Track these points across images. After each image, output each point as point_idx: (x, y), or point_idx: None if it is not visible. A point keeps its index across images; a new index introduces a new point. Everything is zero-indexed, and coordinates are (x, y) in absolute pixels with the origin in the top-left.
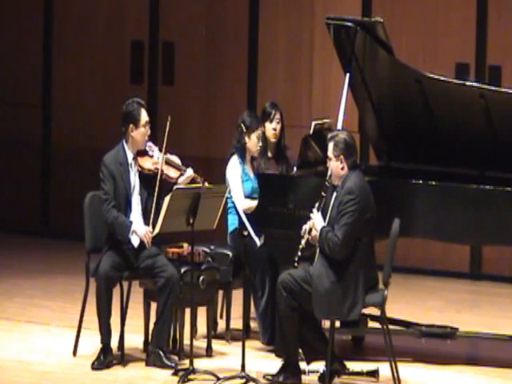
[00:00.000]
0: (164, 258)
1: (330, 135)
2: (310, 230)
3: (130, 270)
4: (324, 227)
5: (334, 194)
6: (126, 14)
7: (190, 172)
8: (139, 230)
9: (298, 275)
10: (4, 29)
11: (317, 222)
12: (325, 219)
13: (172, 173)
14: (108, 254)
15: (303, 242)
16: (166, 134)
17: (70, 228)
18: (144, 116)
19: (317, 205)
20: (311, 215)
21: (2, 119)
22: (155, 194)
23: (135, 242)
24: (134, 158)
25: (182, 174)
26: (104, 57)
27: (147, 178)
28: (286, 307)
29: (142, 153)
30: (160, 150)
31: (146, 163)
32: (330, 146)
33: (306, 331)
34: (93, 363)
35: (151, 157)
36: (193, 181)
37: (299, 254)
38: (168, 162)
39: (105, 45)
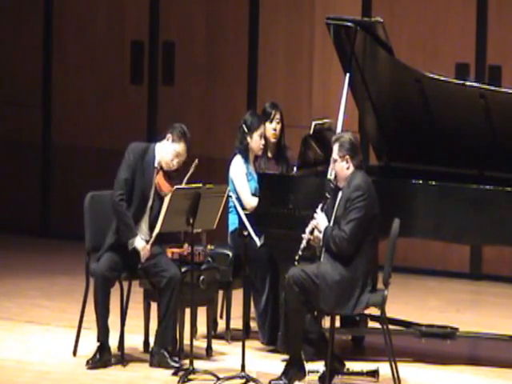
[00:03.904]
0: (166, 257)
1: (334, 137)
2: (313, 230)
3: (130, 269)
4: (328, 226)
5: (339, 195)
6: (126, 14)
7: None
8: (138, 244)
9: (311, 271)
10: (4, 29)
11: (321, 222)
12: (329, 221)
13: None
14: (107, 253)
15: (305, 241)
16: (189, 173)
17: (70, 228)
18: (177, 147)
19: (320, 205)
20: (315, 215)
21: (1, 119)
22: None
23: (139, 244)
24: (157, 168)
25: None
26: (104, 57)
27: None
28: (297, 302)
29: (167, 174)
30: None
31: (165, 187)
32: (335, 147)
33: (307, 330)
34: (87, 362)
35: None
36: None
37: (300, 253)
38: None
39: (105, 45)
